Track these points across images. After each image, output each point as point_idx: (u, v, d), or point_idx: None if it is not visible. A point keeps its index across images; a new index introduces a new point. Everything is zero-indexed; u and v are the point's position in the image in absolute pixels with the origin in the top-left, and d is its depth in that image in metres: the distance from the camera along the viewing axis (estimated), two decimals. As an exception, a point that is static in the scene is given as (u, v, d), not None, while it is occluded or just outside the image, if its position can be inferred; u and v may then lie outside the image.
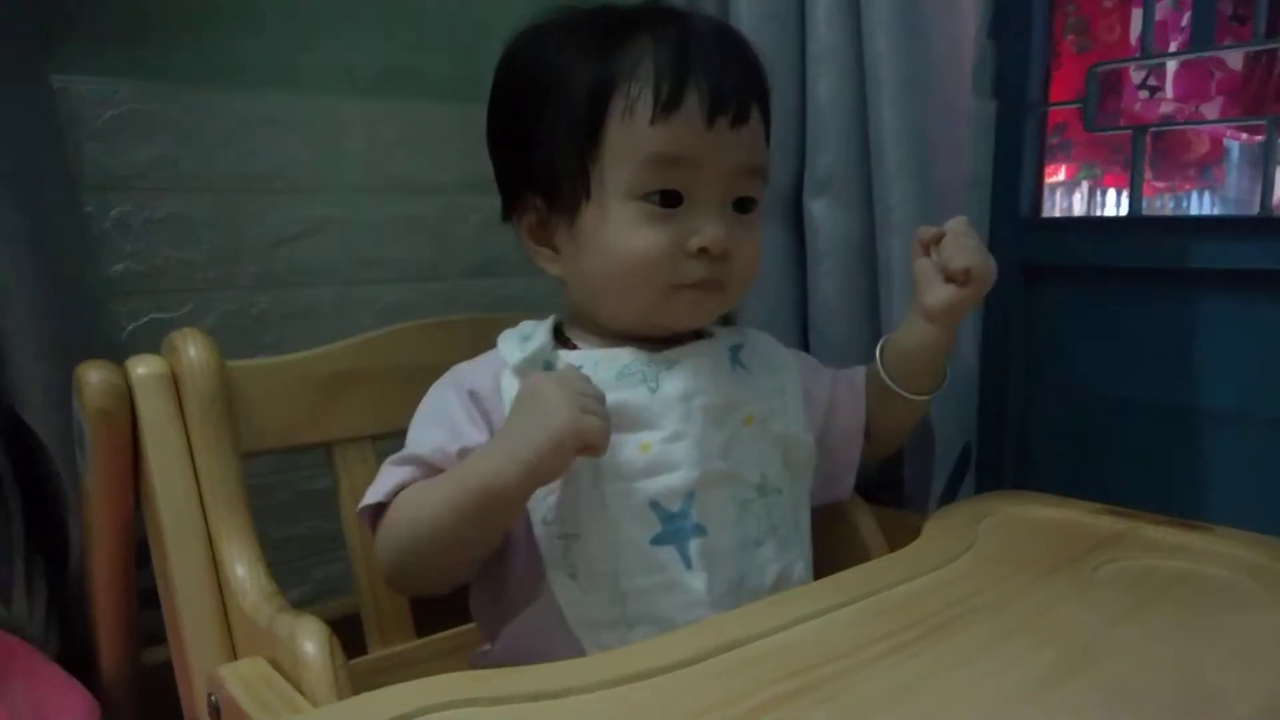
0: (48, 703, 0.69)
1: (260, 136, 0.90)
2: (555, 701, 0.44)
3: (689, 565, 0.59)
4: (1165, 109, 1.18)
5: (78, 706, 0.70)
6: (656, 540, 0.60)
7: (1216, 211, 1.55)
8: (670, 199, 0.61)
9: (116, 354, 0.68)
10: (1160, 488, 0.96)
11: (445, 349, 0.78)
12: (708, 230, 0.61)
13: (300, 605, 0.97)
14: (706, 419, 0.62)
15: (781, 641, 0.49)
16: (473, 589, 0.67)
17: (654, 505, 0.60)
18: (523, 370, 0.63)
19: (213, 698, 0.55)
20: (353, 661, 0.70)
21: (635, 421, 0.61)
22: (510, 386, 0.62)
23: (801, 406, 0.69)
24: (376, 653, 0.72)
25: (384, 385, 0.75)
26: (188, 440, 0.64)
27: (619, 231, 0.61)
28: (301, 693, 0.51)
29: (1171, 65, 1.17)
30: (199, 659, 0.60)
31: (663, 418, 0.61)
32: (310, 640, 0.52)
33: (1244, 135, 1.40)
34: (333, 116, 0.95)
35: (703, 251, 0.61)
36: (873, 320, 0.83)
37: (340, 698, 0.50)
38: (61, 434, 0.72)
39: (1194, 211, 1.55)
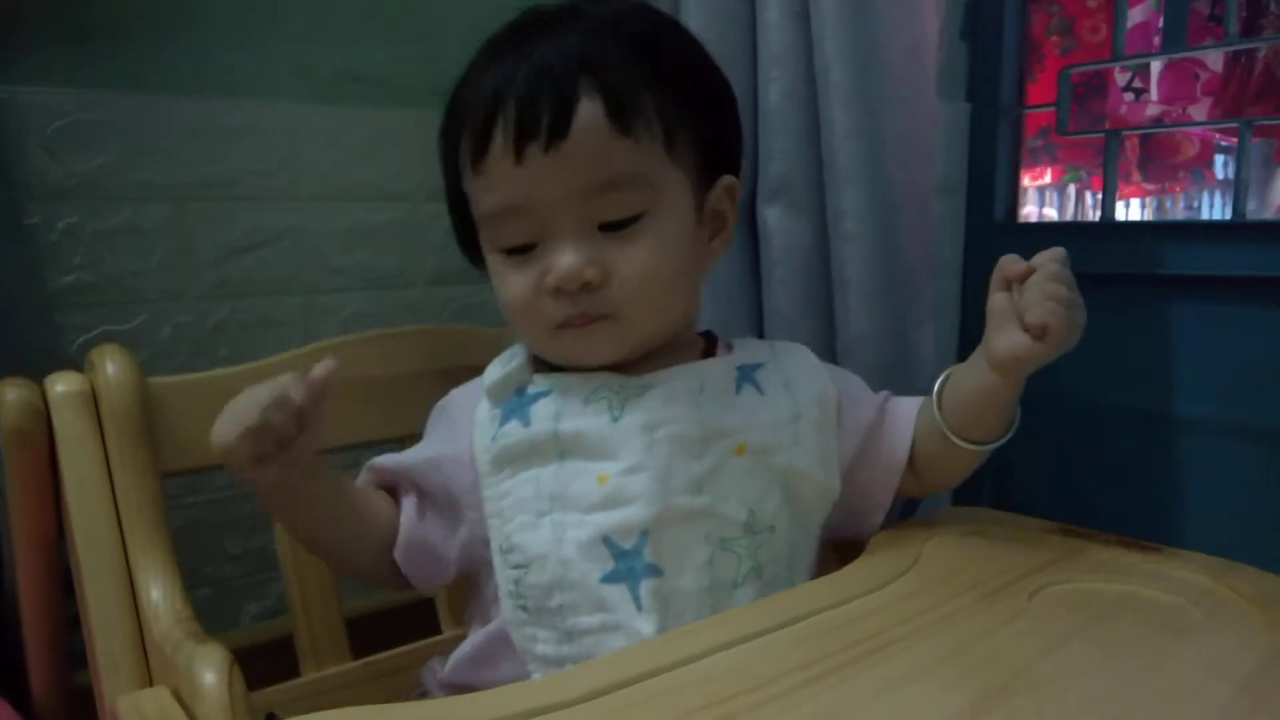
0: (-23, 726, 0.67)
1: (215, 143, 0.89)
2: None
3: (639, 607, 0.56)
4: (1151, 111, 1.15)
5: (3, 728, 0.68)
6: (607, 578, 0.56)
7: (1213, 213, 1.52)
8: (522, 247, 0.59)
9: (67, 367, 0.67)
10: (1137, 495, 0.94)
11: (390, 361, 0.77)
12: (556, 267, 0.57)
13: (259, 619, 0.97)
14: (676, 450, 0.58)
15: (703, 669, 0.47)
16: (465, 603, 0.67)
17: (607, 541, 0.56)
18: (494, 395, 0.62)
19: (116, 727, 0.53)
20: (284, 685, 0.69)
21: (594, 451, 0.58)
22: (483, 416, 0.62)
23: (822, 436, 0.62)
24: (310, 675, 0.70)
25: (343, 398, 0.72)
26: (106, 459, 0.62)
27: (496, 282, 0.61)
28: (198, 723, 0.50)
29: (1156, 67, 1.14)
30: (111, 686, 0.58)
31: (623, 448, 0.58)
32: (209, 669, 0.50)
33: (1230, 137, 1.37)
34: (290, 122, 0.93)
35: (560, 289, 0.57)
36: (827, 331, 0.81)
37: (237, 729, 0.48)
38: (-8, 451, 0.70)
39: (1185, 214, 1.52)
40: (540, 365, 0.64)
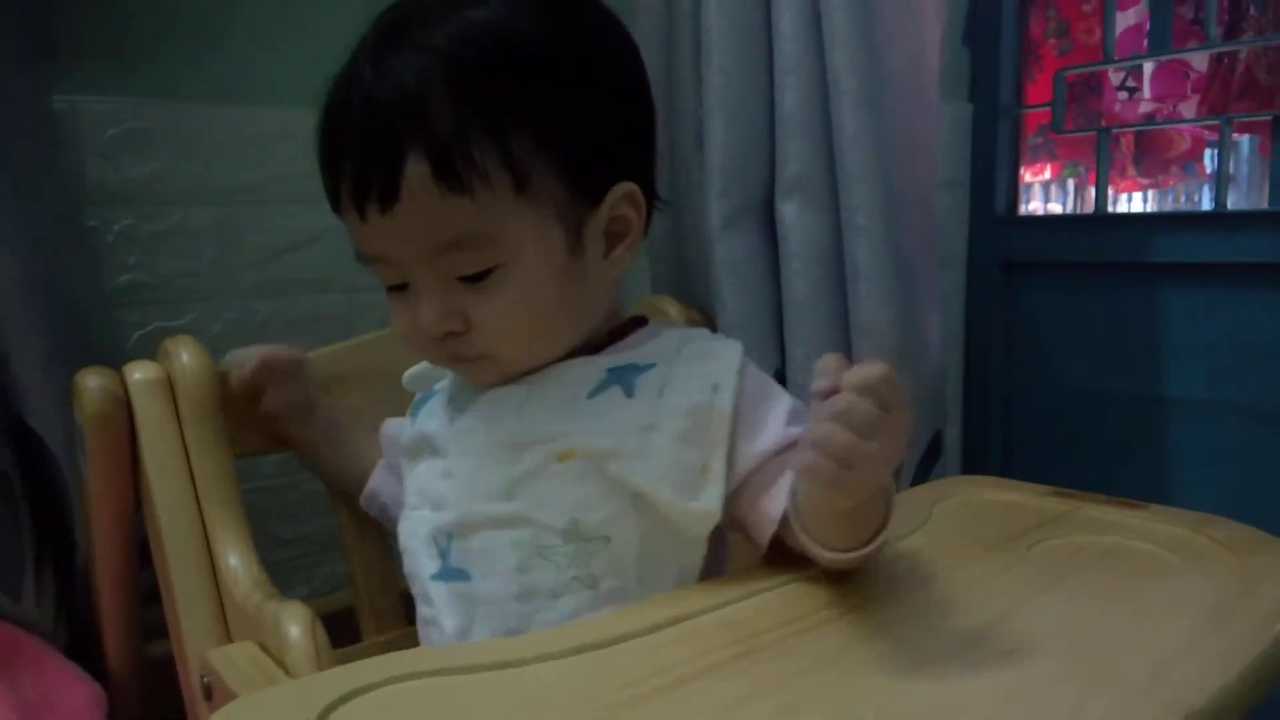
0: (55, 692, 0.73)
1: (256, 149, 0.94)
2: (510, 671, 0.47)
3: (449, 607, 0.58)
4: (1144, 109, 1.21)
5: (83, 696, 0.74)
6: (435, 575, 0.59)
7: (1204, 205, 1.57)
8: (397, 286, 0.58)
9: (124, 361, 0.72)
10: (1131, 471, 1.00)
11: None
12: (419, 319, 0.56)
13: (306, 601, 1.02)
14: (490, 455, 0.57)
15: (726, 615, 0.52)
16: None
17: (434, 539, 0.59)
18: (411, 382, 0.68)
19: (205, 680, 0.59)
20: (347, 648, 0.74)
21: (437, 451, 0.61)
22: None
23: (675, 449, 0.56)
24: (371, 639, 0.75)
25: (374, 387, 0.78)
26: (183, 441, 0.68)
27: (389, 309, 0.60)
28: (286, 672, 0.55)
29: (1149, 67, 1.19)
30: (194, 646, 0.64)
31: (448, 450, 0.59)
32: (294, 623, 0.56)
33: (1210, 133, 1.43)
34: (324, 130, 0.99)
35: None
36: (841, 318, 0.86)
37: (322, 675, 0.54)
38: (66, 438, 0.76)
39: (1178, 206, 1.58)
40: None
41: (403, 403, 0.78)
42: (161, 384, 0.68)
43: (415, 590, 0.62)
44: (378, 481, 0.73)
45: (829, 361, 0.47)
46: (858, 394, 0.45)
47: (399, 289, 0.58)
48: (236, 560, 0.64)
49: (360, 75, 0.54)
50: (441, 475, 0.59)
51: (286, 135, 0.96)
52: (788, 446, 0.56)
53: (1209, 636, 0.47)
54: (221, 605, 0.65)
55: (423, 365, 0.66)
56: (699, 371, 0.58)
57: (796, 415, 0.58)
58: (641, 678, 0.45)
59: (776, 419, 0.58)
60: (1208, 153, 1.48)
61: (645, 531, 0.56)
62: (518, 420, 0.58)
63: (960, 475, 0.75)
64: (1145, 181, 1.51)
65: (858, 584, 0.55)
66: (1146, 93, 1.09)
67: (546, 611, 0.55)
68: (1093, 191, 1.61)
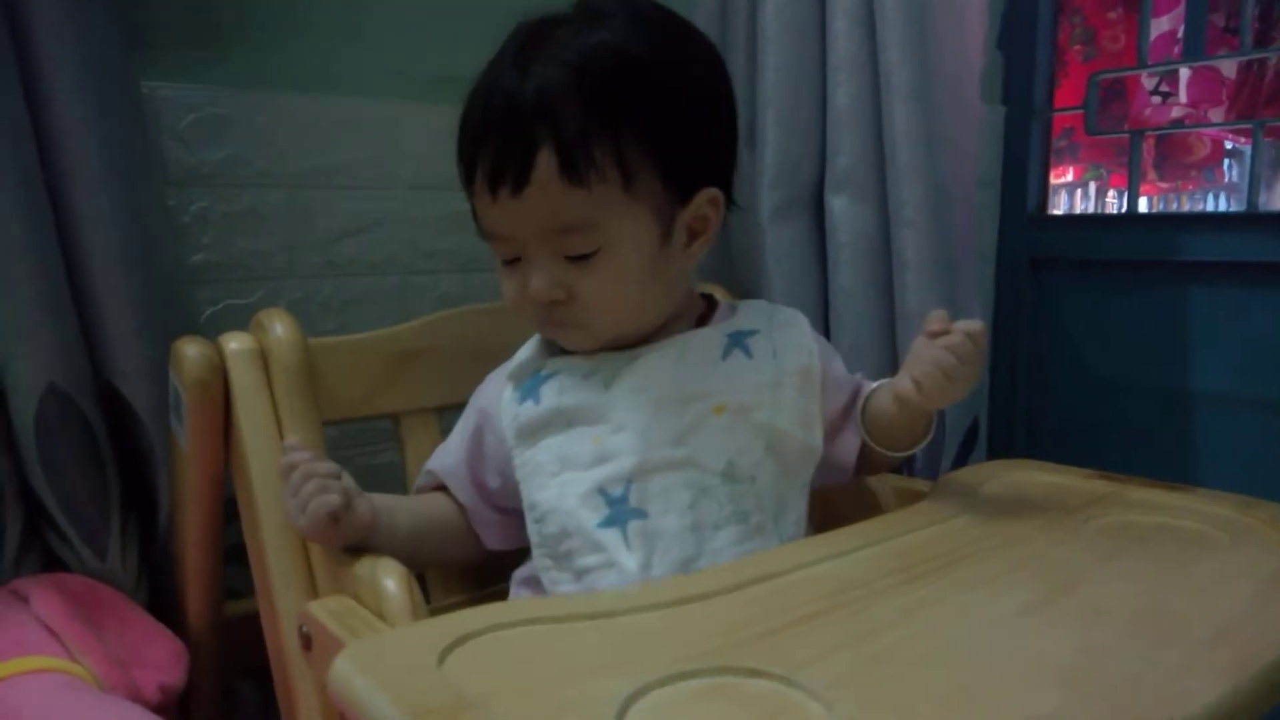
0: (140, 646, 0.76)
1: (325, 137, 0.98)
2: (608, 620, 0.51)
3: (628, 545, 0.64)
4: (1176, 113, 1.24)
5: (168, 650, 0.77)
6: (603, 523, 0.65)
7: (1222, 209, 1.61)
8: (511, 260, 0.68)
9: (198, 336, 0.76)
10: (1155, 463, 1.03)
11: (498, 332, 0.85)
12: (529, 285, 0.66)
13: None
14: (657, 409, 0.66)
15: (805, 575, 0.56)
16: None
17: (601, 491, 0.65)
18: (513, 378, 0.73)
19: (304, 629, 0.63)
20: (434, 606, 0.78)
21: (591, 417, 0.67)
22: (507, 397, 0.72)
23: (803, 400, 0.69)
24: (438, 603, 0.79)
25: (443, 362, 0.83)
26: (274, 407, 0.71)
27: (500, 278, 0.70)
28: (385, 622, 0.59)
29: (1184, 73, 1.23)
30: (285, 600, 0.67)
31: (612, 411, 0.67)
32: (390, 577, 0.60)
33: (1242, 139, 1.46)
34: (390, 118, 1.02)
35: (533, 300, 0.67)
36: (887, 306, 0.90)
37: (420, 624, 0.58)
38: (153, 403, 0.80)
39: (1195, 209, 1.62)
40: (553, 350, 0.74)
41: (458, 379, 0.81)
42: (255, 353, 0.72)
43: (565, 548, 0.66)
44: (488, 511, 0.74)
45: (941, 312, 0.66)
46: (965, 335, 0.63)
47: (512, 263, 0.67)
48: (327, 520, 0.68)
49: (505, 78, 0.64)
50: (612, 431, 0.66)
51: (354, 124, 1.00)
52: (852, 393, 0.73)
53: (1270, 603, 0.50)
54: (310, 564, 0.69)
55: (523, 360, 0.73)
56: (794, 337, 0.72)
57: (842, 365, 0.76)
58: (733, 627, 0.49)
59: (843, 373, 0.74)
60: (1227, 159, 1.52)
61: (777, 473, 0.68)
62: (676, 381, 0.67)
63: (1002, 460, 0.79)
64: (1165, 186, 1.55)
65: (923, 552, 0.59)
66: (1182, 97, 1.13)
67: (711, 541, 0.64)
68: (1112, 194, 1.65)
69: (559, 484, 0.67)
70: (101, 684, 0.68)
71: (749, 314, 0.73)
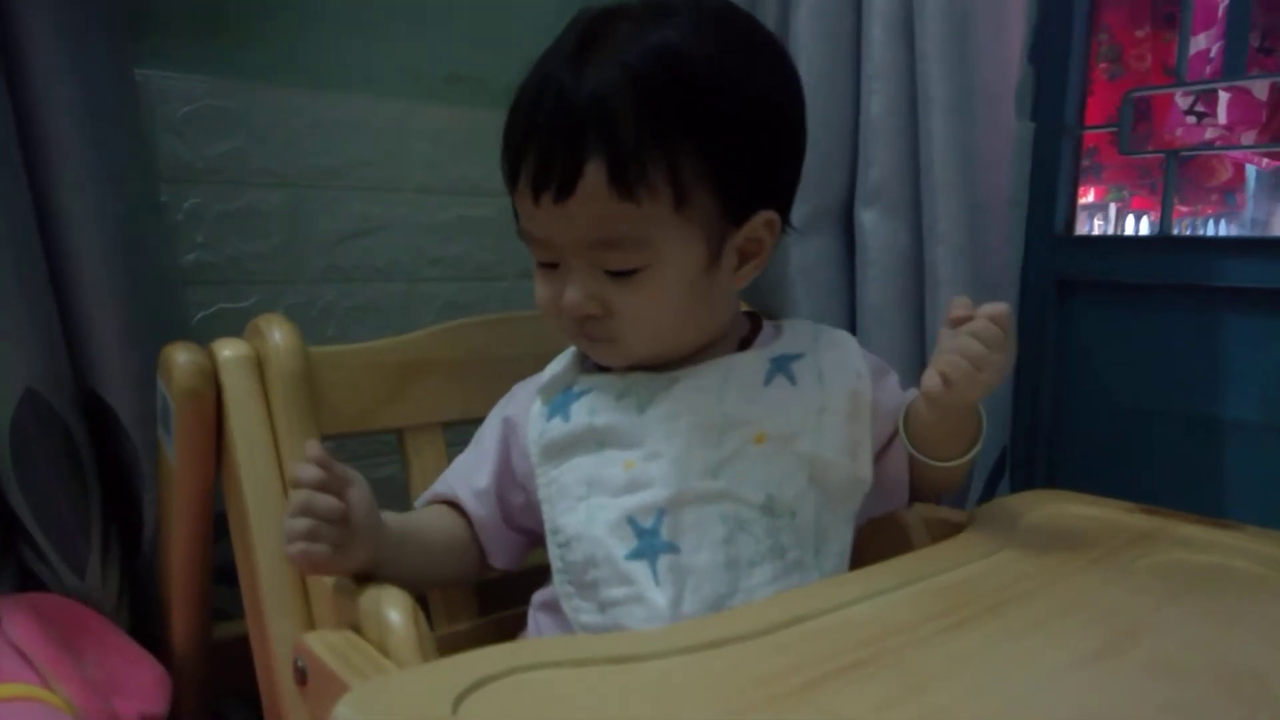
0: (120, 672, 0.72)
1: (330, 135, 0.94)
2: (634, 665, 0.47)
3: (656, 581, 0.60)
4: (1210, 134, 1.21)
5: (149, 677, 0.73)
6: (631, 555, 0.60)
7: (1241, 233, 1.59)
8: (549, 263, 0.64)
9: (188, 340, 0.72)
10: (1184, 493, 0.99)
11: (507, 343, 0.82)
12: (564, 297, 0.62)
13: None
14: (694, 437, 0.62)
15: (845, 617, 0.52)
16: None
17: (630, 520, 0.61)
18: (544, 394, 0.68)
19: (299, 662, 0.58)
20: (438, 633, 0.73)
21: (624, 440, 0.63)
22: (535, 412, 0.68)
23: (851, 427, 0.65)
24: (441, 630, 0.75)
25: (450, 375, 0.78)
26: (270, 419, 0.67)
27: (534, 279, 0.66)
28: (388, 658, 0.54)
29: (1224, 94, 1.20)
30: (279, 628, 0.63)
31: (647, 436, 0.63)
32: (394, 609, 0.55)
33: (1264, 161, 1.43)
34: (398, 118, 0.99)
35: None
36: (917, 325, 0.86)
37: (425, 662, 0.53)
38: (139, 412, 0.76)
39: (1213, 235, 1.59)
40: (587, 366, 0.70)
41: (467, 393, 0.77)
42: (250, 361, 0.68)
43: (591, 577, 0.62)
44: (490, 526, 0.69)
45: (964, 298, 0.62)
46: (989, 319, 0.59)
47: (549, 266, 0.64)
48: (325, 543, 0.63)
49: (559, 73, 0.59)
50: (645, 458, 0.62)
51: (362, 123, 0.96)
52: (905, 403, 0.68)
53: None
54: (305, 588, 0.65)
55: (555, 374, 0.69)
56: (842, 359, 0.68)
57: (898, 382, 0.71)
58: (768, 678, 0.45)
59: (898, 390, 0.70)
60: (1251, 183, 1.49)
61: (819, 506, 0.64)
62: (717, 407, 0.63)
63: (1038, 490, 0.75)
64: (1185, 209, 1.52)
65: (968, 593, 0.55)
66: (1222, 118, 1.10)
67: (747, 579, 0.61)
68: (1132, 218, 1.62)
69: (587, 509, 0.63)
70: (78, 713, 0.64)
71: (793, 336, 0.69)
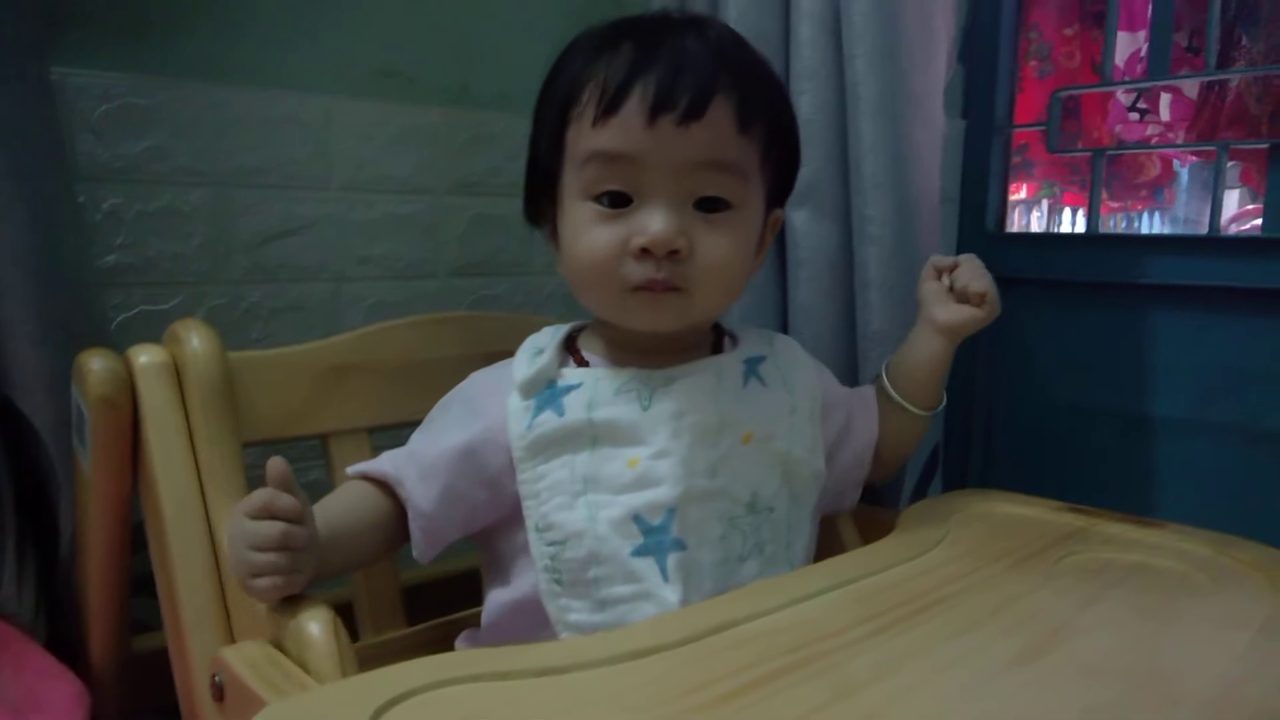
0: (38, 688, 0.69)
1: (254, 133, 0.91)
2: (558, 677, 0.46)
3: (666, 578, 0.60)
4: (1152, 131, 1.24)
5: (67, 692, 0.70)
6: (637, 552, 0.61)
7: (1167, 229, 1.63)
8: (618, 199, 0.62)
9: (106, 345, 0.69)
10: (1116, 489, 1.01)
11: (435, 346, 0.81)
12: (650, 228, 0.60)
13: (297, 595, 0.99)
14: (696, 437, 0.63)
15: (773, 622, 0.52)
16: (484, 573, 0.71)
17: (637, 518, 0.61)
18: (527, 389, 0.65)
19: (216, 678, 0.56)
20: (360, 644, 0.72)
21: (625, 437, 0.63)
22: (516, 407, 0.65)
23: (812, 426, 0.69)
24: (368, 639, 0.73)
25: (378, 379, 0.77)
26: (189, 428, 0.65)
27: (573, 232, 0.64)
28: (307, 672, 0.53)
29: (1165, 93, 1.22)
30: (198, 642, 0.61)
31: (652, 434, 0.62)
32: (315, 622, 0.54)
33: (1190, 157, 1.47)
34: (325, 115, 0.96)
35: (646, 252, 0.61)
36: (849, 324, 0.86)
37: (346, 676, 0.52)
38: (55, 420, 0.72)
39: (1145, 229, 1.63)
40: (567, 359, 0.68)
41: (394, 397, 0.76)
42: (168, 368, 0.66)
43: (592, 575, 0.61)
44: (436, 519, 0.66)
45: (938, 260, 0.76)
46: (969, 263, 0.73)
47: (613, 207, 0.62)
48: (246, 554, 0.62)
49: (673, 20, 0.65)
50: (653, 456, 0.62)
51: (288, 119, 0.93)
52: (846, 403, 0.75)
53: (1267, 660, 0.47)
54: (225, 600, 0.63)
55: (539, 366, 0.66)
56: (797, 360, 0.71)
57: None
58: (694, 687, 0.44)
59: (835, 381, 0.75)
60: (1182, 175, 1.53)
61: (790, 502, 0.67)
62: (713, 407, 0.64)
63: (969, 489, 0.76)
64: (1115, 205, 1.56)
65: (896, 595, 0.55)
66: (1165, 116, 1.13)
67: (736, 575, 0.63)
68: (1067, 212, 1.66)
69: (587, 505, 0.62)
70: (-11, 734, 0.61)
71: (748, 340, 0.72)
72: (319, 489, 0.77)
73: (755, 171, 0.65)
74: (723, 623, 0.51)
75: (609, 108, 0.60)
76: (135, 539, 0.71)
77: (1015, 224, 1.63)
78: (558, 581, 0.62)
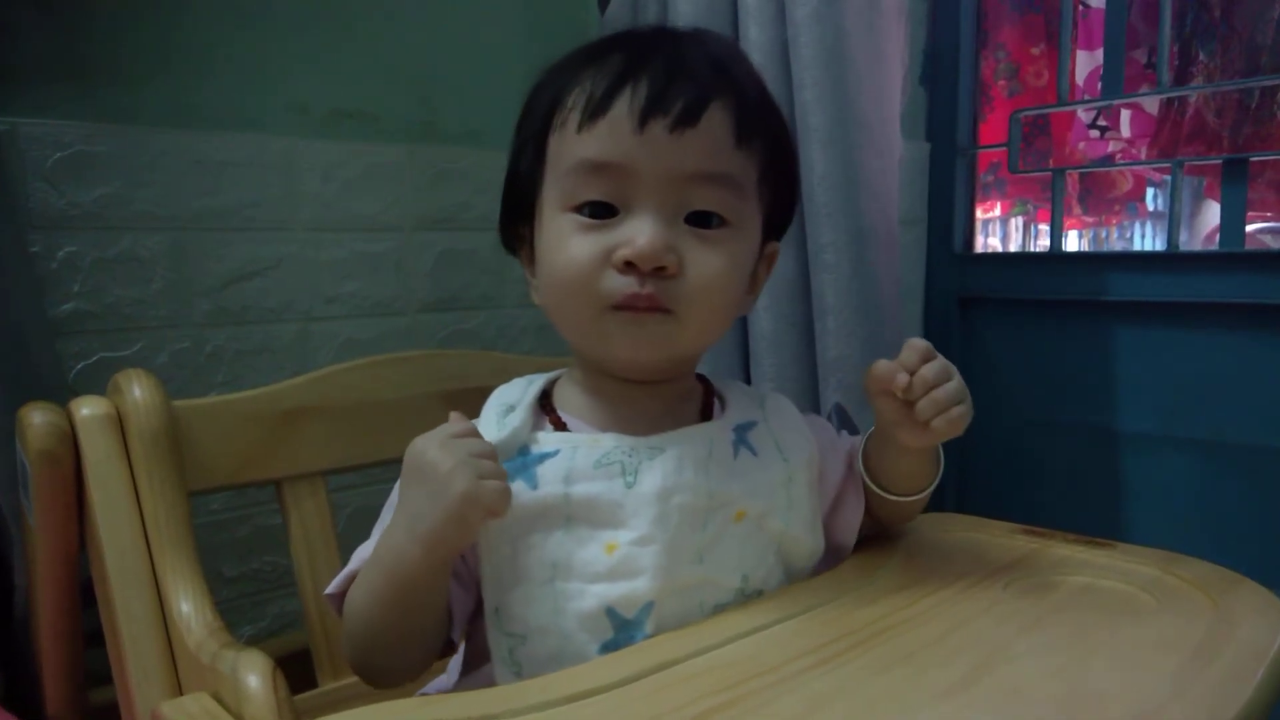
0: (-8, 745, 0.69)
1: (215, 176, 0.92)
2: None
3: None
4: (1114, 148, 1.24)
5: (21, 748, 0.70)
6: (606, 648, 0.54)
7: (1145, 243, 1.63)
8: (601, 210, 0.56)
9: (65, 394, 0.69)
10: (1084, 504, 1.01)
11: (395, 385, 0.80)
12: (637, 240, 0.54)
13: (256, 640, 0.99)
14: (684, 520, 0.56)
15: (712, 660, 0.51)
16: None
17: (610, 612, 0.55)
18: (499, 450, 0.57)
19: (157, 733, 0.56)
20: (303, 695, 0.71)
21: (605, 518, 0.56)
22: None
23: (810, 498, 0.62)
24: (327, 685, 0.72)
25: (335, 422, 0.76)
26: (133, 479, 0.65)
27: (551, 244, 0.58)
28: (245, 724, 0.52)
29: (1125, 110, 1.23)
30: (144, 696, 0.60)
31: (635, 517, 0.56)
32: (253, 673, 0.53)
33: (1157, 174, 1.48)
34: (287, 156, 0.97)
35: (630, 266, 0.55)
36: (808, 352, 0.86)
37: (283, 728, 0.52)
38: (6, 475, 0.72)
39: (1120, 244, 1.63)
40: (542, 421, 0.62)
41: (353, 440, 0.75)
42: (111, 419, 0.65)
43: (554, 670, 0.53)
44: (461, 600, 0.60)
45: (883, 363, 0.58)
46: (920, 362, 0.57)
47: (596, 218, 0.56)
48: (189, 606, 0.61)
49: (668, 31, 0.61)
50: (634, 542, 0.55)
51: (248, 162, 0.94)
52: (847, 462, 0.66)
53: (1194, 681, 0.47)
54: (172, 653, 0.62)
55: (513, 429, 0.59)
56: (791, 424, 0.64)
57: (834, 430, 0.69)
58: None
59: (836, 448, 0.66)
60: (1150, 192, 1.53)
61: (782, 580, 0.61)
62: (703, 484, 0.58)
63: (923, 514, 0.75)
64: (1090, 219, 1.56)
65: (839, 627, 0.55)
66: (1126, 132, 1.13)
67: None
68: (1039, 228, 1.66)
69: (553, 597, 0.55)
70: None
71: (739, 402, 0.64)
72: (274, 534, 0.77)
73: (753, 189, 0.59)
74: (663, 661, 0.51)
75: (595, 111, 0.55)
76: (92, 592, 0.70)
77: (992, 242, 1.63)
78: (518, 675, 0.57)
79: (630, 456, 0.57)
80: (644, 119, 0.55)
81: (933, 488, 0.65)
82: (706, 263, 0.56)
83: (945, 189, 1.10)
